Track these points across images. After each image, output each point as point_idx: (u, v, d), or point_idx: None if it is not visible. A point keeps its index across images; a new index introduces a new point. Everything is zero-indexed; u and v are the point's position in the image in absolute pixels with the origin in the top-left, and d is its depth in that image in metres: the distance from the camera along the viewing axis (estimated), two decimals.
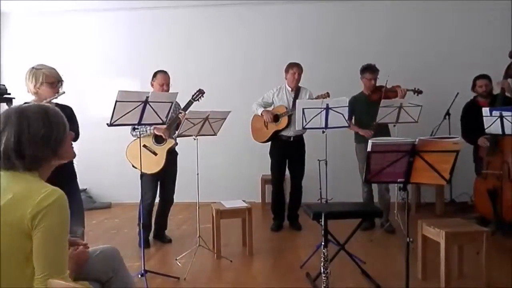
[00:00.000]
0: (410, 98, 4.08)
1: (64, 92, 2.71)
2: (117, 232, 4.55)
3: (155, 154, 3.69)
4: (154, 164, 3.65)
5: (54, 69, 2.72)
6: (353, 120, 4.37)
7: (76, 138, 2.75)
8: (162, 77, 3.84)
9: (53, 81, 2.66)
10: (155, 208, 4.05)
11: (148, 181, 3.80)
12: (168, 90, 3.81)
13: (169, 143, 3.71)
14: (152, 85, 3.89)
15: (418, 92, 4.10)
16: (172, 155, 3.87)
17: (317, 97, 4.11)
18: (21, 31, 6.03)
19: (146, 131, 3.70)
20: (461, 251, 3.03)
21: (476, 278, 2.91)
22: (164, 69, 3.93)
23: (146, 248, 3.78)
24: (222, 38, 5.90)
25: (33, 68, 2.67)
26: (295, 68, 4.35)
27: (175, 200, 4.10)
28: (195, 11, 5.86)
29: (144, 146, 3.64)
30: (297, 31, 5.78)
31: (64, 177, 2.80)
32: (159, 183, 3.96)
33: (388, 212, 4.29)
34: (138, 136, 3.43)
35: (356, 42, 5.68)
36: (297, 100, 4.03)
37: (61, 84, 2.73)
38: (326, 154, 3.84)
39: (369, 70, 4.28)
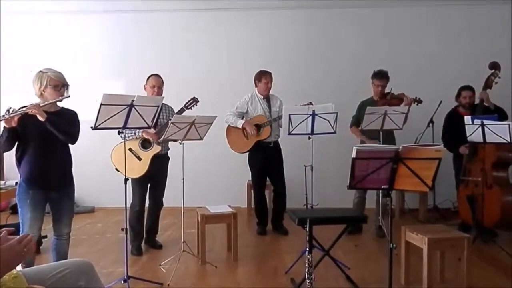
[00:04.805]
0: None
1: (69, 96, 2.76)
2: (100, 237, 4.49)
3: (140, 159, 3.63)
4: (137, 169, 3.59)
5: (60, 73, 2.77)
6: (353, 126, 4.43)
7: (73, 141, 2.84)
8: (153, 80, 3.82)
9: (57, 84, 2.71)
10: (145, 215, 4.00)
11: (136, 186, 3.79)
12: (160, 93, 3.80)
13: (155, 149, 3.66)
14: (145, 88, 3.88)
15: (419, 101, 4.15)
16: (161, 160, 3.83)
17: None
18: (4, 31, 5.91)
19: (135, 134, 3.67)
20: (443, 257, 3.08)
21: (457, 284, 2.95)
22: (152, 72, 3.92)
23: (139, 256, 3.79)
24: (209, 44, 5.89)
25: (40, 71, 2.73)
26: (268, 77, 4.37)
27: None
28: (181, 15, 5.83)
29: (130, 149, 3.60)
30: (281, 39, 5.81)
31: (66, 180, 2.86)
32: (148, 188, 3.92)
33: (384, 216, 4.19)
34: (125, 138, 3.37)
35: (341, 49, 5.75)
36: (283, 106, 4.05)
37: (67, 88, 2.78)
38: (312, 160, 3.87)
39: (377, 76, 4.28)
